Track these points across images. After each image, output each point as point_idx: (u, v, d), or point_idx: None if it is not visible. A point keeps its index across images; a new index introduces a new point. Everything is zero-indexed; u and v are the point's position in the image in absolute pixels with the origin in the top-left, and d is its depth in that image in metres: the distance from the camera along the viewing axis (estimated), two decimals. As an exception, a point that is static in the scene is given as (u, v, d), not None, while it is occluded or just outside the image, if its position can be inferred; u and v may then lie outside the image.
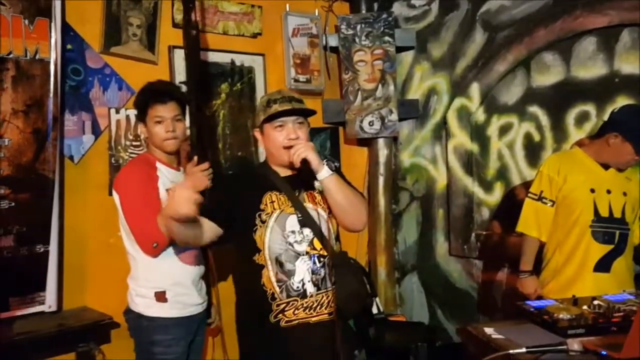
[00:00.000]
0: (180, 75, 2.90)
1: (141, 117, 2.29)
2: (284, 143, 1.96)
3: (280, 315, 1.94)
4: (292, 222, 1.97)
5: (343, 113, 3.59)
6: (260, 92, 3.31)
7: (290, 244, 1.95)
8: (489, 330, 1.79)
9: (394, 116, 3.55)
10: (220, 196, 2.10)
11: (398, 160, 3.78)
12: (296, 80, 3.46)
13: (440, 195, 3.67)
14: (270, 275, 1.94)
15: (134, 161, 2.46)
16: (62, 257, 2.51)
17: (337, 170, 2.05)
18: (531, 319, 1.87)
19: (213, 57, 3.11)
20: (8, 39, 2.33)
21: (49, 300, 2.44)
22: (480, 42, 3.46)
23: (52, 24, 2.44)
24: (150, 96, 2.25)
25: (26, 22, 2.38)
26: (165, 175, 2.27)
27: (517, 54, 3.34)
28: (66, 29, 2.54)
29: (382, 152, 3.68)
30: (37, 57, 2.41)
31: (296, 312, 1.93)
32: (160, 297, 2.20)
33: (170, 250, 2.19)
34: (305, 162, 1.91)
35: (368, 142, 3.72)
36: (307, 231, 1.97)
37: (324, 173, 1.93)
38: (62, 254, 2.51)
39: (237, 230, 1.98)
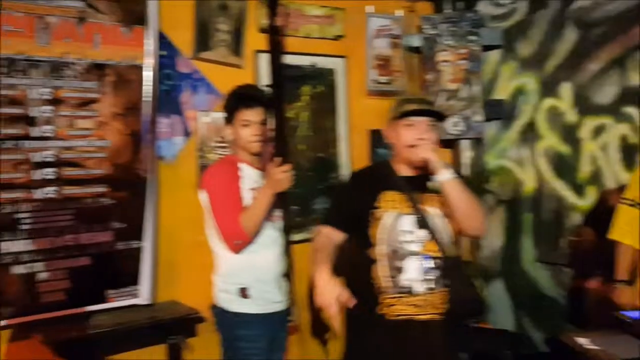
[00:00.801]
0: (265, 79, 2.97)
1: (229, 120, 2.37)
2: (410, 142, 2.01)
3: (387, 309, 1.99)
4: (408, 222, 2.01)
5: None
6: (341, 94, 3.34)
7: (404, 243, 2.00)
8: (582, 341, 1.72)
9: (479, 117, 3.46)
10: (340, 203, 2.22)
11: (482, 162, 3.68)
12: (377, 82, 3.46)
13: (527, 198, 3.54)
14: (380, 270, 2.00)
15: (219, 161, 2.57)
16: (156, 253, 2.64)
17: (458, 175, 2.06)
18: (628, 330, 1.78)
19: (295, 60, 3.17)
20: (108, 47, 2.49)
21: (142, 294, 2.57)
22: (572, 40, 3.32)
23: (147, 32, 2.58)
24: (239, 100, 2.33)
25: (124, 30, 2.53)
26: (249, 175, 2.34)
27: (612, 52, 3.18)
28: (160, 36, 2.68)
29: (466, 154, 3.60)
30: (134, 63, 2.55)
31: (403, 307, 1.98)
32: (244, 293, 2.26)
33: (254, 247, 2.25)
34: (426, 163, 1.96)
35: (451, 144, 3.65)
36: (422, 232, 2.00)
37: (444, 175, 1.95)
38: (155, 250, 2.63)
39: (355, 227, 2.07)
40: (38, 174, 2.33)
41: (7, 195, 2.25)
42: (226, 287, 2.28)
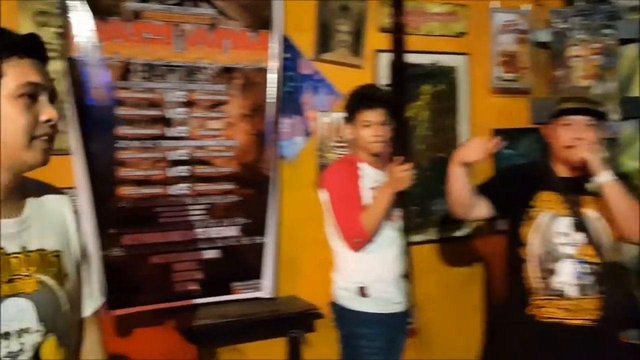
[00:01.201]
0: (384, 79, 2.97)
1: (349, 120, 2.39)
2: (568, 142, 1.97)
3: (537, 310, 1.98)
4: (564, 224, 1.98)
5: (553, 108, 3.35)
6: (463, 93, 3.25)
7: (558, 245, 1.97)
8: None
9: (614, 115, 3.21)
10: (501, 181, 2.24)
11: (617, 164, 3.41)
12: (502, 79, 3.33)
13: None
14: (531, 270, 1.99)
15: (336, 161, 2.60)
16: (277, 248, 2.73)
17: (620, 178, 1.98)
18: None
19: (416, 58, 3.12)
20: (236, 51, 2.61)
21: (265, 287, 2.67)
22: None
23: (272, 36, 2.68)
24: (360, 101, 2.35)
25: (251, 34, 2.64)
26: (368, 175, 2.35)
27: None
28: (284, 39, 2.76)
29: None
30: (260, 66, 2.66)
31: (554, 310, 1.95)
32: (363, 292, 2.28)
33: (374, 246, 2.26)
34: (585, 163, 1.91)
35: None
36: (579, 236, 1.96)
37: (604, 177, 1.88)
38: (277, 245, 2.73)
39: (505, 219, 2.10)
40: (173, 172, 2.50)
41: (146, 190, 2.44)
42: (346, 285, 2.31)
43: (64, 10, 2.28)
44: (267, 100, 2.68)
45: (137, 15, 2.39)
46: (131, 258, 2.40)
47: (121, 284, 2.36)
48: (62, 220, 1.22)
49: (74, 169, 2.30)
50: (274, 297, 2.68)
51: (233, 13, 2.59)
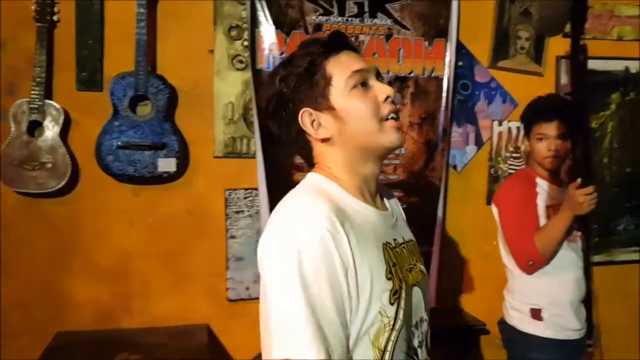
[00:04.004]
0: (566, 87, 2.79)
1: (526, 132, 2.28)
2: None
3: None
4: None
5: None
6: (658, 102, 2.94)
7: None
8: None
9: None
10: None
11: None
12: None
13: None
14: None
15: (514, 176, 2.47)
16: (442, 258, 2.70)
17: None
18: None
19: (604, 65, 2.89)
20: (410, 60, 2.63)
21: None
22: None
23: (448, 44, 2.65)
24: (535, 112, 2.22)
25: (426, 43, 2.64)
26: (546, 191, 2.21)
27: None
28: (459, 47, 2.72)
29: None
30: (432, 74, 2.65)
31: None
32: (536, 314, 2.15)
33: (548, 268, 2.12)
34: None
35: None
36: None
37: None
38: (442, 255, 2.69)
39: None
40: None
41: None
42: (518, 305, 2.20)
43: (252, 24, 2.47)
44: (440, 108, 2.66)
45: (318, 27, 2.52)
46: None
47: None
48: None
49: (257, 171, 2.49)
50: (436, 307, 2.65)
51: (409, 23, 2.61)
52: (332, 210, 0.97)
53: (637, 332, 2.86)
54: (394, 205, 1.21)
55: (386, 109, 1.07)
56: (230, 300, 2.54)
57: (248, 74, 2.49)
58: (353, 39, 2.54)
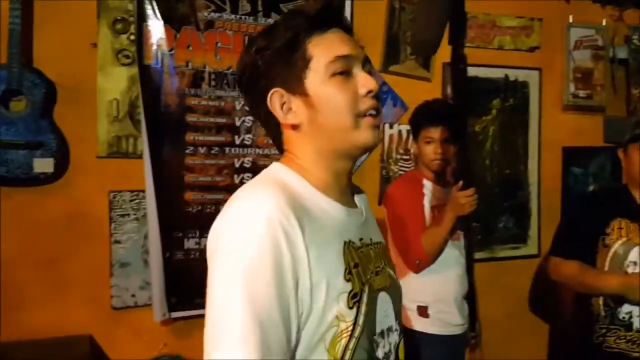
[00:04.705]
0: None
1: (414, 135, 2.36)
2: None
3: (602, 338, 1.95)
4: (636, 254, 1.92)
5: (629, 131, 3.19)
6: (534, 108, 3.16)
7: (627, 274, 1.92)
8: None
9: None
10: (572, 231, 2.15)
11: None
12: (575, 96, 3.21)
13: None
14: (599, 298, 1.96)
15: (402, 178, 2.55)
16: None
17: None
18: None
19: (486, 72, 3.06)
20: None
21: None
22: None
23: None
24: (423, 117, 2.30)
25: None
26: (432, 192, 2.30)
27: None
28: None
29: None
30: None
31: (617, 341, 1.92)
32: (422, 311, 2.23)
33: (434, 266, 2.21)
34: None
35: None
36: None
37: None
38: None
39: (585, 254, 2.03)
40: (237, 179, 2.53)
41: (211, 196, 2.48)
42: (405, 304, 2.27)
43: (139, 18, 2.36)
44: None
45: (210, 24, 2.45)
46: (194, 262, 2.44)
47: (183, 287, 2.40)
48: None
49: (145, 172, 2.37)
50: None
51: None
52: (288, 202, 0.87)
53: (516, 324, 3.06)
54: (364, 204, 1.10)
55: (366, 103, 0.96)
56: (115, 309, 2.40)
57: (135, 70, 2.37)
58: (246, 37, 2.50)
